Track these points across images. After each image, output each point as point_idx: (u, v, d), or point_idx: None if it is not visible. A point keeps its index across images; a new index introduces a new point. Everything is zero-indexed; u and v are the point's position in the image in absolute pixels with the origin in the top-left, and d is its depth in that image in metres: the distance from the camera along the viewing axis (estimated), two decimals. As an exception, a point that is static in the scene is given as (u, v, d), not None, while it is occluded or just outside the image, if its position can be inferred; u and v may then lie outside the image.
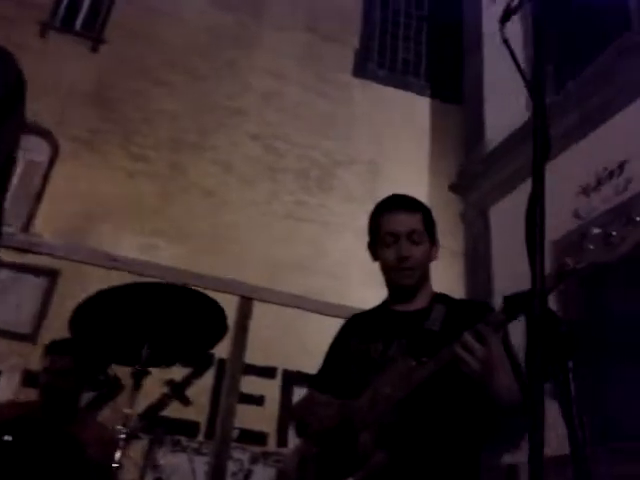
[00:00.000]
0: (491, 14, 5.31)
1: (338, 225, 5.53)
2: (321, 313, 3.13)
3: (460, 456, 1.68)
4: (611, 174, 3.56)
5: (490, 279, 4.27)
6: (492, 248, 4.35)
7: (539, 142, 1.07)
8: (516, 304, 1.46)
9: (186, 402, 4.69)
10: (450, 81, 6.09)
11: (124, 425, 2.18)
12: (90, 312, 2.36)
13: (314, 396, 1.90)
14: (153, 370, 2.39)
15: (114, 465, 2.13)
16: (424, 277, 1.86)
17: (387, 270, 1.84)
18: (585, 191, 3.70)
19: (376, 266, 1.89)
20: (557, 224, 3.78)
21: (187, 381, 4.61)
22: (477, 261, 4.33)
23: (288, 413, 1.80)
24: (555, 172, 4.12)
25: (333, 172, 5.80)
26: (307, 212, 5.60)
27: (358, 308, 2.08)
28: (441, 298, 1.86)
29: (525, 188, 3.78)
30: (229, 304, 3.46)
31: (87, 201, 5.03)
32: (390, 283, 1.88)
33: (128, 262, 4.00)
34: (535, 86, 1.19)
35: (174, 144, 5.57)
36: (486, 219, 4.48)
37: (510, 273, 4.07)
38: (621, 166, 3.50)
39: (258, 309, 4.33)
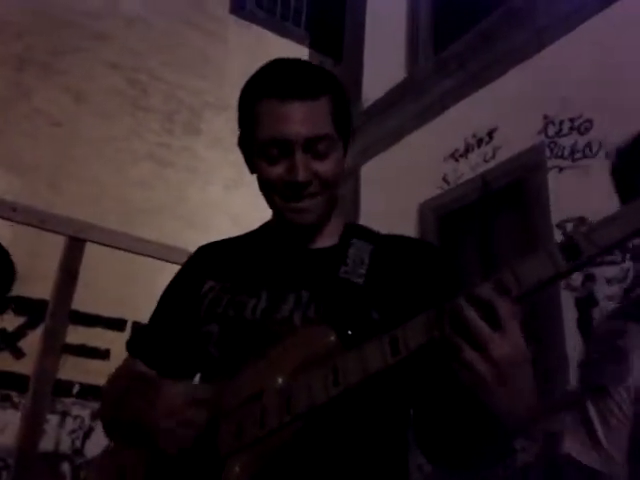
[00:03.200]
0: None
1: (203, 172, 5.19)
2: (172, 261, 2.82)
3: None
4: (480, 141, 3.60)
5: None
6: (360, 206, 4.30)
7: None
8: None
9: (18, 354, 4.23)
10: (330, 34, 5.90)
11: None
12: None
13: (144, 377, 1.08)
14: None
15: None
16: (332, 203, 1.12)
17: (271, 197, 1.08)
18: (454, 156, 3.73)
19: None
20: (426, 187, 3.79)
21: (21, 332, 4.16)
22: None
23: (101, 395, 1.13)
24: (430, 135, 4.10)
25: (201, 115, 5.41)
26: (170, 155, 5.19)
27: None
28: (358, 231, 1.17)
29: (397, 148, 3.71)
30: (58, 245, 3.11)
31: None
32: (277, 214, 1.13)
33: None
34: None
35: (19, 62, 4.86)
36: (357, 177, 4.41)
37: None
38: (490, 134, 3.55)
39: (107, 255, 3.95)
